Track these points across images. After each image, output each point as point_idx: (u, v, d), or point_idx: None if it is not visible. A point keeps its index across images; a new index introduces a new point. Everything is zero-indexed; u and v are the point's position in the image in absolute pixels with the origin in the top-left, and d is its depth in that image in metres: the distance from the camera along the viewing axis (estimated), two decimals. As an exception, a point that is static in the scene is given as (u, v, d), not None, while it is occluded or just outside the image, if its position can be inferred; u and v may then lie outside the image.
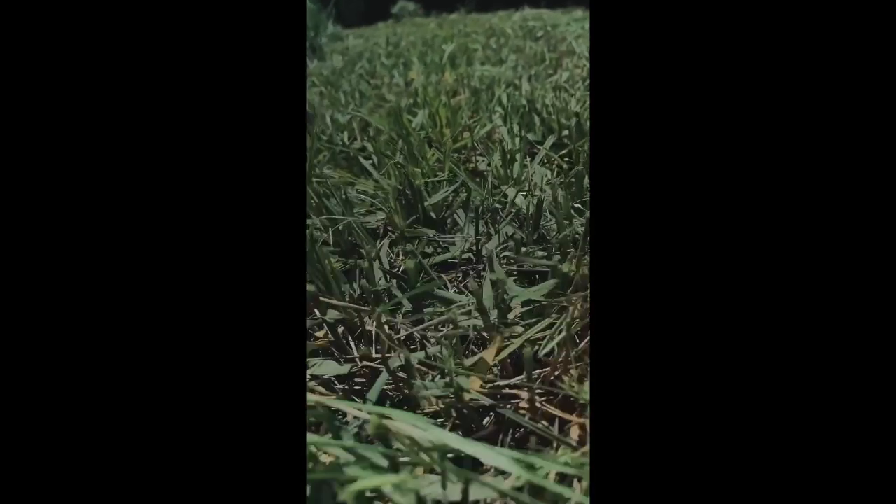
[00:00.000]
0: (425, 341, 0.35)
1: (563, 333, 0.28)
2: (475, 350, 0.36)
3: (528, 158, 0.67)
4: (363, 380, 0.36)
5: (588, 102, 0.88)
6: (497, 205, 0.56)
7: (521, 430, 0.30)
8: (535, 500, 0.21)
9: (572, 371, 0.32)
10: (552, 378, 0.31)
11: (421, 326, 0.33)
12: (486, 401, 0.28)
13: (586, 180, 0.56)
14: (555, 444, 0.27)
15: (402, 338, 0.35)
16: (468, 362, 0.30)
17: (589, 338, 0.33)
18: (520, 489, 0.23)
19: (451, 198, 0.58)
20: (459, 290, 0.47)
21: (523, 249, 0.43)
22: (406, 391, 0.31)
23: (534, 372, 0.31)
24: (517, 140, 0.72)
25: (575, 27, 2.10)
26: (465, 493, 0.21)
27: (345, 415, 0.31)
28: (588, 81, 1.07)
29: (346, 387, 0.36)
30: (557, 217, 0.47)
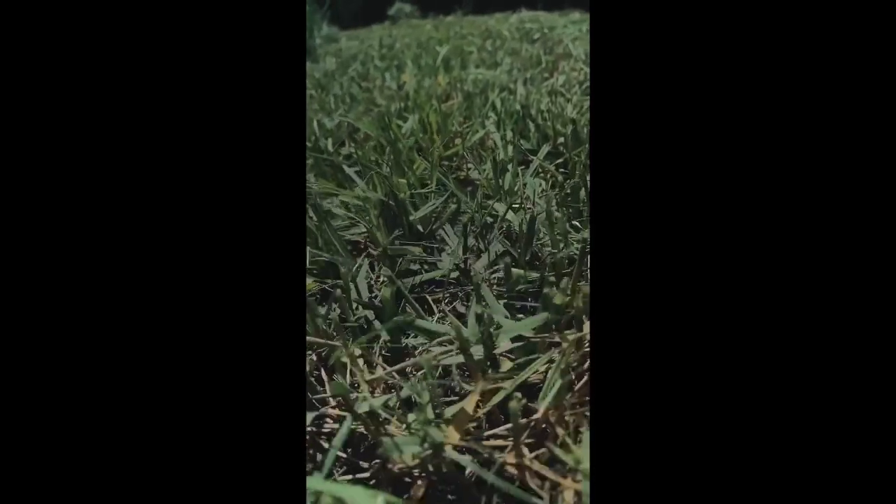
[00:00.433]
0: (401, 381, 0.31)
1: (558, 384, 0.25)
2: (461, 385, 0.32)
3: (522, 167, 0.64)
4: (336, 424, 0.32)
5: (585, 108, 0.84)
6: (488, 218, 0.52)
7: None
8: None
9: (567, 417, 0.28)
10: (543, 427, 0.27)
11: (395, 367, 0.30)
12: (465, 458, 0.24)
13: (583, 193, 0.52)
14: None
15: (377, 376, 0.32)
16: (448, 411, 0.26)
17: (587, 379, 0.29)
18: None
19: (438, 209, 0.54)
20: (445, 314, 0.43)
21: (514, 271, 0.39)
22: (379, 437, 0.28)
23: (521, 420, 0.27)
24: (510, 148, 0.69)
25: (572, 29, 2.07)
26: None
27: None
28: (585, 85, 1.03)
29: (314, 428, 0.32)
30: (552, 235, 0.44)
